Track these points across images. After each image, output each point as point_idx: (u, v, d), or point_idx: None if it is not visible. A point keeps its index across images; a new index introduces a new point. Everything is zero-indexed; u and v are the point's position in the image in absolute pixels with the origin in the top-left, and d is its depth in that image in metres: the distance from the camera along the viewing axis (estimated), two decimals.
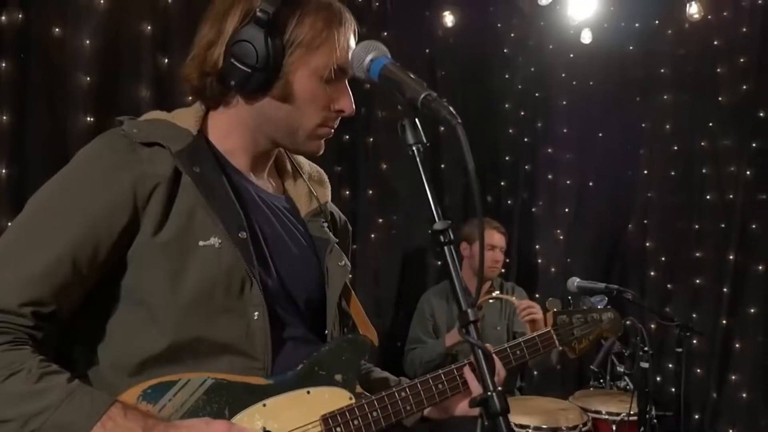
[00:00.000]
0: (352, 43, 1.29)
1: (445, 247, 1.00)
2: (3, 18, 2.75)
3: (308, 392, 1.27)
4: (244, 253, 1.21)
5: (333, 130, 1.33)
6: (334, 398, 1.29)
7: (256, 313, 1.21)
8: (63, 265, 1.12)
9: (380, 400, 1.32)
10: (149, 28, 3.12)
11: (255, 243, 1.25)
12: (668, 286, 4.60)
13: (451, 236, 1.00)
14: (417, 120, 1.03)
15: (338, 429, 1.26)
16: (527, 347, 1.61)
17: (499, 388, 0.93)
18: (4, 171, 2.72)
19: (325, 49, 1.24)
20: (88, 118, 2.91)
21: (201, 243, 1.18)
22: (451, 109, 0.99)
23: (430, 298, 3.73)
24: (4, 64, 2.76)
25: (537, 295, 4.26)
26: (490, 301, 3.63)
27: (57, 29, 2.89)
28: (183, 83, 1.31)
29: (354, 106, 1.30)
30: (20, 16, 2.79)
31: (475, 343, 0.93)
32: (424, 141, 1.03)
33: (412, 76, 1.06)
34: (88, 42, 2.95)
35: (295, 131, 1.29)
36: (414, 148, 1.04)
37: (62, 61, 2.90)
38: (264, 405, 1.22)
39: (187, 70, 1.28)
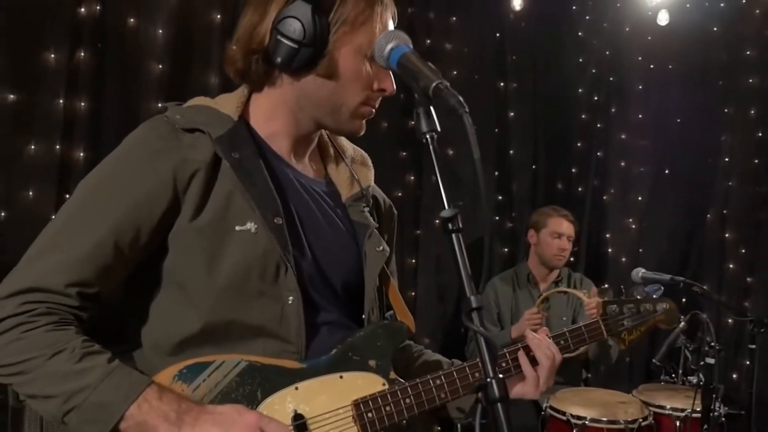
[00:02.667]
0: (390, 24, 1.30)
1: (453, 235, 1.00)
2: (82, 9, 2.90)
3: (341, 377, 1.29)
4: (280, 238, 1.23)
5: (374, 111, 1.34)
6: (366, 383, 1.30)
7: (291, 298, 1.24)
8: (106, 248, 1.18)
9: (413, 387, 1.33)
10: (219, 17, 3.22)
11: (291, 228, 1.27)
12: (748, 279, 4.39)
13: (460, 224, 1.00)
14: (431, 108, 1.03)
15: (369, 414, 1.27)
16: (572, 337, 1.58)
17: (500, 376, 0.93)
18: (82, 155, 2.89)
19: (368, 27, 1.26)
20: (159, 104, 3.03)
21: (237, 228, 1.21)
22: (460, 98, 0.98)
23: (496, 285, 3.70)
24: (83, 54, 2.91)
25: (606, 285, 4.12)
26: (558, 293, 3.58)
27: (132, 20, 3.02)
28: (227, 67, 1.33)
29: (394, 86, 1.31)
30: (98, 8, 2.93)
31: (478, 330, 0.93)
32: (438, 129, 1.03)
33: (429, 65, 1.06)
34: (160, 31, 3.08)
35: (338, 109, 1.31)
36: (428, 136, 1.03)
37: (136, 50, 3.03)
38: (296, 388, 1.25)
39: (232, 53, 1.31)
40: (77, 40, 2.89)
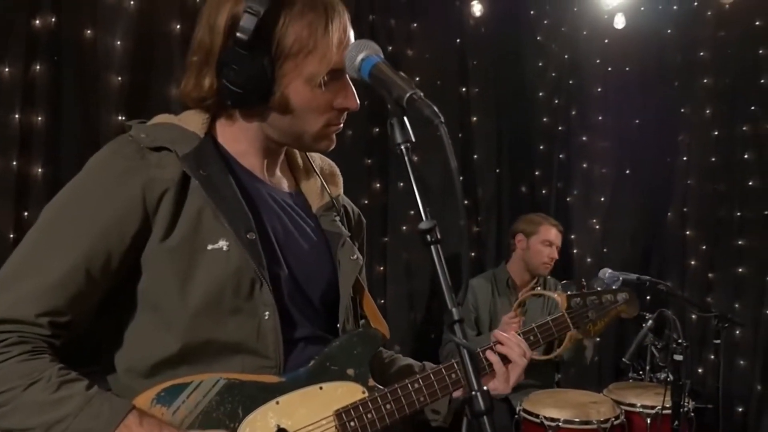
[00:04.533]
0: (350, 34, 1.26)
1: (431, 246, 0.99)
2: (37, 21, 2.82)
3: (321, 388, 1.28)
4: (253, 254, 1.21)
5: (341, 126, 1.33)
6: (346, 393, 1.30)
7: (267, 313, 1.22)
8: (77, 275, 1.14)
9: (393, 392, 1.33)
10: (178, 27, 3.17)
11: (265, 243, 1.25)
12: (709, 275, 4.48)
13: (438, 235, 0.99)
14: (405, 119, 1.02)
15: (352, 423, 1.27)
16: (540, 332, 1.61)
17: (485, 388, 0.93)
18: (39, 170, 2.81)
19: (315, 56, 1.21)
20: (120, 117, 2.97)
21: (209, 246, 1.19)
22: (434, 108, 0.97)
23: (475, 288, 3.67)
24: (38, 67, 2.83)
25: (566, 281, 4.20)
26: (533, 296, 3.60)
27: (88, 31, 2.96)
28: (184, 99, 1.30)
29: (357, 102, 1.29)
30: (53, 19, 2.86)
31: (460, 343, 0.93)
32: (413, 140, 1.02)
33: (401, 74, 1.05)
34: (119, 43, 3.02)
35: (300, 136, 1.30)
36: (402, 147, 1.02)
37: (94, 62, 2.97)
38: (277, 402, 1.23)
39: (185, 91, 1.28)
40: (32, 53, 2.81)
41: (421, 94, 1.00)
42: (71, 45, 2.92)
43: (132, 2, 3.05)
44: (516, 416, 3.04)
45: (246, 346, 1.22)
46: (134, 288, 1.21)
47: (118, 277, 1.19)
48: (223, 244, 1.19)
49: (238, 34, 1.17)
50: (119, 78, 3.02)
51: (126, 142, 1.23)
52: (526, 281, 3.75)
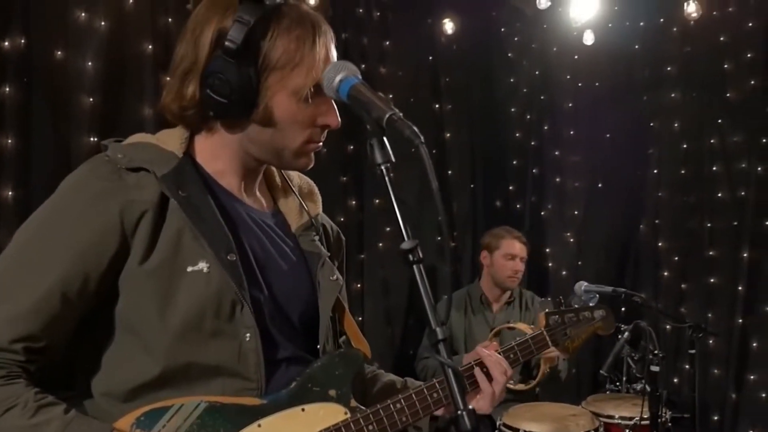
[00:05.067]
0: (333, 53, 1.27)
1: (414, 266, 0.99)
2: (6, 43, 2.80)
3: (303, 409, 1.26)
4: (234, 275, 1.20)
5: (321, 144, 1.32)
6: (329, 414, 1.28)
7: (248, 335, 1.21)
8: (52, 299, 1.12)
9: (375, 413, 1.31)
10: (150, 47, 3.16)
11: (245, 264, 1.24)
12: (682, 286, 4.55)
13: (420, 255, 0.99)
14: (385, 139, 1.03)
15: None
16: (520, 350, 1.61)
17: (470, 407, 0.93)
18: (10, 194, 2.77)
19: (301, 70, 1.21)
20: (92, 139, 2.95)
21: (189, 268, 1.17)
22: (414, 128, 0.98)
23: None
24: (8, 89, 2.80)
25: (546, 298, 4.22)
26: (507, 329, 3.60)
27: (59, 52, 2.94)
28: (164, 112, 1.29)
29: (339, 119, 1.29)
30: (23, 41, 2.83)
31: (445, 362, 0.93)
32: (393, 160, 1.03)
33: (380, 95, 1.05)
34: (90, 63, 3.00)
35: (280, 151, 1.28)
36: (383, 168, 1.03)
37: (65, 83, 2.95)
38: (259, 425, 1.21)
39: (166, 100, 1.26)
40: (2, 75, 2.78)
41: (401, 114, 1.01)
42: (42, 66, 2.89)
43: (103, 23, 3.03)
44: (496, 431, 3.03)
45: (227, 369, 1.20)
46: (111, 311, 1.19)
47: (95, 301, 1.17)
48: (203, 265, 1.18)
49: (226, 43, 1.17)
50: (91, 99, 2.99)
51: (102, 163, 1.21)
52: (497, 296, 3.76)
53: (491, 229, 3.85)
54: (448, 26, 4.34)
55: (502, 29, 4.72)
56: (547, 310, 1.75)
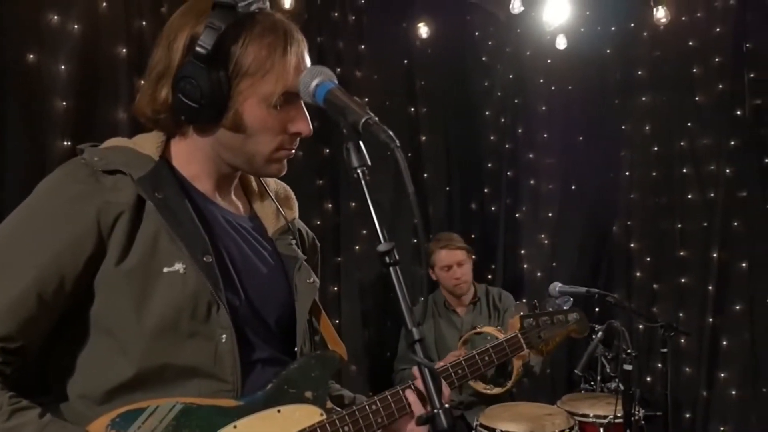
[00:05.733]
0: (306, 62, 1.28)
1: (391, 268, 1.01)
2: None
3: (279, 411, 1.27)
4: (210, 276, 1.21)
5: (293, 151, 1.33)
6: (305, 415, 1.29)
7: (224, 336, 1.21)
8: (28, 300, 1.13)
9: (351, 414, 1.32)
10: (124, 50, 3.14)
11: (221, 266, 1.25)
12: (654, 286, 4.63)
13: (396, 257, 1.01)
14: (361, 143, 1.04)
15: None
16: (495, 352, 1.64)
17: (446, 405, 0.94)
18: None
19: (272, 76, 1.22)
20: (66, 143, 2.92)
21: (165, 269, 1.18)
22: (390, 133, 1.00)
23: (417, 312, 3.70)
24: None
25: (524, 300, 4.27)
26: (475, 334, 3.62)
27: (31, 55, 2.90)
28: (137, 116, 1.30)
29: (310, 127, 1.30)
30: None
31: (421, 362, 0.94)
32: (369, 163, 1.04)
33: (356, 99, 1.07)
34: (63, 67, 2.96)
35: (251, 158, 1.29)
36: (359, 171, 1.04)
37: (38, 87, 2.91)
38: (235, 427, 1.21)
39: (140, 104, 1.27)
40: None
41: (376, 118, 1.02)
42: (14, 70, 2.86)
43: (76, 26, 3.00)
44: (473, 431, 3.06)
45: (203, 370, 1.20)
46: (86, 312, 1.19)
47: (70, 302, 1.18)
48: (179, 267, 1.18)
49: (197, 48, 1.18)
50: (64, 103, 2.96)
51: (79, 166, 1.22)
52: (457, 301, 3.77)
53: (434, 237, 3.83)
54: (423, 30, 4.37)
55: (476, 33, 4.76)
56: (522, 313, 1.78)
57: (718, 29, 4.37)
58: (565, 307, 1.90)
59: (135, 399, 1.17)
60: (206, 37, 1.17)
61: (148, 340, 1.17)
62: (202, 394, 1.20)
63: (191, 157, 1.31)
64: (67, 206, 1.17)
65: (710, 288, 4.30)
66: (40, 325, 1.16)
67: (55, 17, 2.96)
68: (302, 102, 1.27)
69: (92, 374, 1.19)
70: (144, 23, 3.22)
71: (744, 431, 4.18)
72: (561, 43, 4.38)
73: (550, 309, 1.84)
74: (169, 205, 1.22)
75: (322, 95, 1.11)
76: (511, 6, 4.11)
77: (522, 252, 4.76)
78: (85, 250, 1.16)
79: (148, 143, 1.29)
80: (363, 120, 1.03)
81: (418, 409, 1.40)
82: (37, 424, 1.08)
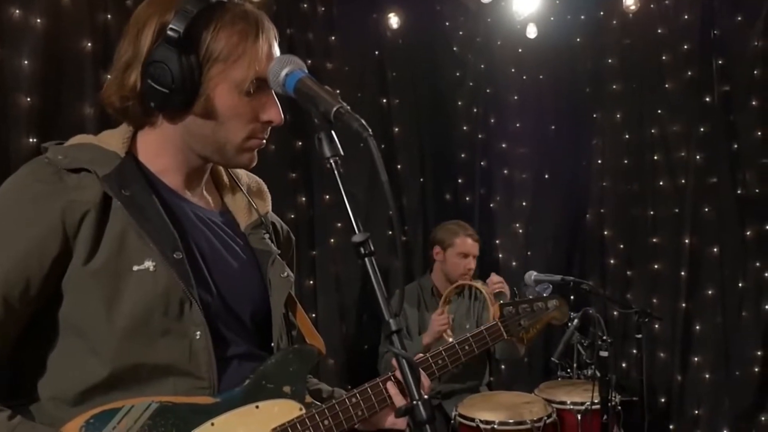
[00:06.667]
0: (276, 50, 1.26)
1: (366, 259, 1.00)
2: None
3: (257, 407, 1.26)
4: (181, 273, 1.18)
5: (264, 141, 1.31)
6: (284, 410, 1.28)
7: (198, 333, 1.19)
8: None
9: (331, 408, 1.32)
10: (89, 45, 3.07)
11: (192, 262, 1.23)
12: (628, 272, 4.67)
13: (371, 248, 1.00)
14: (333, 133, 1.02)
15: None
16: (475, 341, 1.63)
17: (425, 397, 0.93)
18: None
19: (243, 63, 1.20)
20: (31, 140, 2.85)
21: (135, 267, 1.16)
22: (362, 121, 0.98)
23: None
24: None
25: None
26: (457, 295, 3.63)
27: None
28: (105, 106, 1.26)
29: (282, 116, 1.28)
30: None
31: (399, 353, 0.93)
32: (341, 153, 1.03)
33: (327, 88, 1.05)
34: (26, 62, 2.89)
35: (222, 146, 1.26)
36: (332, 161, 1.03)
37: (1, 82, 2.83)
38: (212, 424, 1.20)
39: (107, 93, 1.24)
40: None
41: (348, 107, 1.01)
42: None
43: (39, 20, 2.93)
44: (452, 422, 3.07)
45: (178, 368, 1.18)
46: (56, 314, 1.16)
47: (38, 305, 1.15)
48: (149, 264, 1.16)
49: (168, 32, 1.15)
50: (28, 99, 2.89)
51: (42, 165, 1.19)
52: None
53: (444, 223, 3.84)
54: (394, 21, 4.35)
55: (447, 23, 4.75)
56: (501, 301, 1.78)
57: (686, 16, 4.41)
58: (544, 294, 1.90)
59: (109, 400, 1.15)
60: (177, 21, 1.16)
61: (121, 340, 1.14)
62: (178, 393, 1.18)
63: (160, 149, 1.28)
64: (30, 207, 1.14)
65: (683, 273, 4.35)
66: (7, 329, 1.13)
67: (17, 12, 2.88)
68: (273, 92, 1.25)
69: (64, 376, 1.17)
70: (109, 16, 3.15)
71: (718, 414, 4.24)
72: (531, 32, 4.39)
73: (530, 296, 1.84)
74: (137, 202, 1.20)
75: (292, 84, 1.09)
76: None
77: (497, 242, 4.77)
78: (51, 251, 1.13)
79: (113, 139, 1.26)
80: (335, 109, 1.01)
81: (399, 401, 1.40)
82: (6, 426, 1.06)
